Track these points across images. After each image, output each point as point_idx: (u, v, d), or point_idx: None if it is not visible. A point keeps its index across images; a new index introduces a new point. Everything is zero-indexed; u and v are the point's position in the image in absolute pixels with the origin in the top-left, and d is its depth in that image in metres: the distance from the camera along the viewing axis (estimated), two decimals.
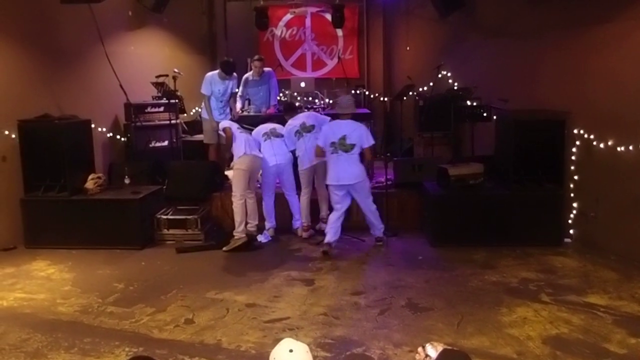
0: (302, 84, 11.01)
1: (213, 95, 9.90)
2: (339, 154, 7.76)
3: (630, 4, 7.12)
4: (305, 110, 10.44)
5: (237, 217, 8.11)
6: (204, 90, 9.89)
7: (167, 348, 5.19)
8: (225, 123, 8.86)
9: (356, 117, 10.63)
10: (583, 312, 5.76)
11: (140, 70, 10.46)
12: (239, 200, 8.13)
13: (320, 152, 8.01)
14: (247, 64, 11.22)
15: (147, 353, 5.08)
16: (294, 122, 8.61)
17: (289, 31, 13.71)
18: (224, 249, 7.97)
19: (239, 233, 8.05)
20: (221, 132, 8.87)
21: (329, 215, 8.13)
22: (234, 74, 10.07)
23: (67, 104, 8.87)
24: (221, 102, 9.89)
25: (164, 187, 9.11)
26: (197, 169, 9.47)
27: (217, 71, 9.95)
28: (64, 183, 8.20)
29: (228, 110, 10.10)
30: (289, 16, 13.59)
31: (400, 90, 10.95)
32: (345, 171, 7.75)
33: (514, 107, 8.54)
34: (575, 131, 7.89)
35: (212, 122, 9.89)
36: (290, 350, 2.73)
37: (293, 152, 8.59)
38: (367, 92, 12.79)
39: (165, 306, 6.14)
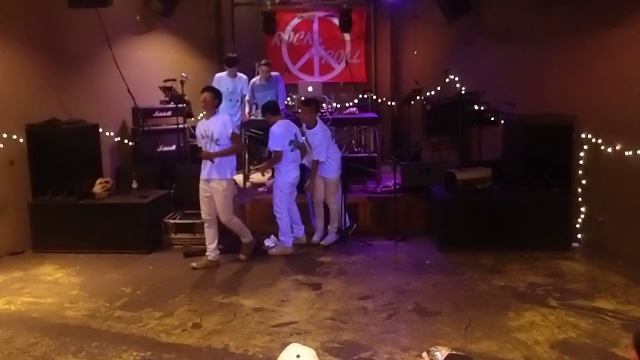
0: (310, 88, 11.00)
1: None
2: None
3: (636, 8, 7.11)
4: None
5: (246, 230, 7.80)
6: None
7: (175, 352, 5.20)
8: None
9: (364, 122, 10.69)
10: (591, 317, 5.75)
11: (148, 75, 10.47)
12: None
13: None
14: (255, 69, 11.23)
15: (154, 357, 5.10)
16: (325, 127, 8.44)
17: (297, 35, 13.70)
18: (193, 265, 7.53)
19: (215, 253, 7.61)
20: None
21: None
22: (244, 75, 10.07)
23: (74, 108, 8.89)
24: (230, 101, 9.87)
25: (172, 191, 9.12)
26: None
27: (225, 72, 9.97)
28: (72, 187, 8.22)
29: (239, 113, 10.07)
30: (296, 20, 13.58)
31: (408, 94, 10.95)
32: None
33: (522, 111, 8.53)
34: (583, 135, 7.87)
35: None
36: (298, 356, 2.72)
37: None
38: (374, 97, 12.76)
39: (173, 310, 6.15)
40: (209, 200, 7.40)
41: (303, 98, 9.62)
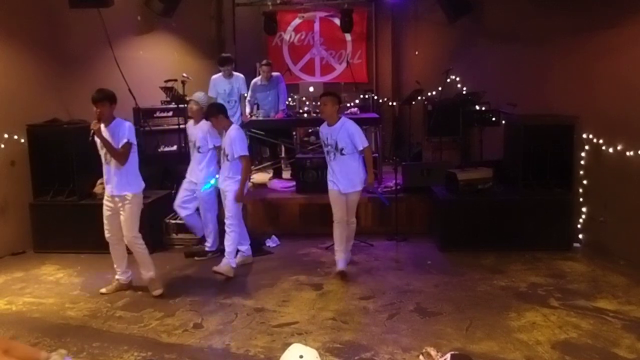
0: (311, 89, 11.01)
1: (219, 97, 9.90)
2: None
3: (637, 9, 7.10)
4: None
5: (150, 261, 6.79)
6: (209, 93, 9.89)
7: (176, 352, 5.20)
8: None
9: (365, 122, 10.66)
10: (592, 317, 5.74)
11: (149, 75, 10.47)
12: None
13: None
14: (256, 69, 11.23)
15: (155, 357, 5.10)
16: None
17: (298, 36, 13.73)
18: (102, 291, 6.75)
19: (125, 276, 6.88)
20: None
21: None
22: (240, 75, 10.05)
23: (75, 108, 8.89)
24: (228, 102, 9.86)
25: (173, 191, 9.11)
26: None
27: (220, 73, 9.98)
28: (73, 187, 8.24)
29: (238, 113, 10.05)
30: (297, 21, 13.61)
31: (409, 94, 10.96)
32: None
33: (523, 111, 8.54)
34: (584, 136, 7.87)
35: None
36: (301, 356, 2.73)
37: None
38: (375, 97, 12.77)
39: (174, 310, 6.15)
40: (113, 217, 6.63)
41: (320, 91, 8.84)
